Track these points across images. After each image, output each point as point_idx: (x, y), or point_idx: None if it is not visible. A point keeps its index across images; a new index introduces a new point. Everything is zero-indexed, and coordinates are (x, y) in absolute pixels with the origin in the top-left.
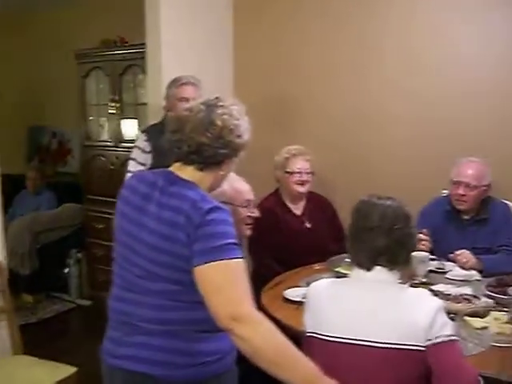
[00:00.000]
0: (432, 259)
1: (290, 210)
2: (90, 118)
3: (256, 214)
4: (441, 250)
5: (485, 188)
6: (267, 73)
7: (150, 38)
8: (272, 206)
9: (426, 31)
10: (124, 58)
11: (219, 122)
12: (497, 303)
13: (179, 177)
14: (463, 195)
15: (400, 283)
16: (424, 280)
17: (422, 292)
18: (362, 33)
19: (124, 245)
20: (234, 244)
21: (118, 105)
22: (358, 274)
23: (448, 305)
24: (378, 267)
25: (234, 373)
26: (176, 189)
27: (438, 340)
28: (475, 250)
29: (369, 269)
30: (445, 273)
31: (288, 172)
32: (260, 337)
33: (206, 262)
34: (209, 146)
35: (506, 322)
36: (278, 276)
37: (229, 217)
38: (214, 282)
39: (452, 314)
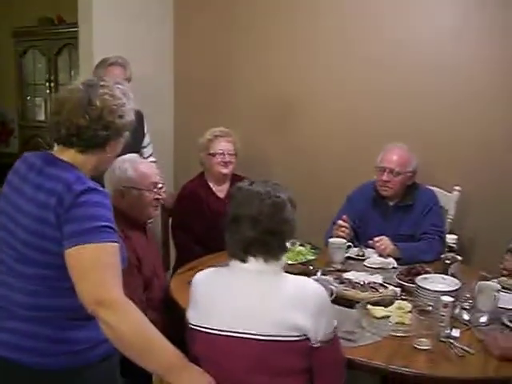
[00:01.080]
0: (350, 246)
1: (213, 193)
2: (28, 97)
3: (163, 195)
4: (366, 236)
5: (409, 174)
6: (206, 53)
7: (81, 15)
8: (195, 189)
9: (364, 21)
10: (60, 38)
11: (98, 103)
12: (404, 292)
13: (58, 158)
14: (387, 181)
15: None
16: (339, 267)
17: (305, 283)
18: (299, 20)
19: (4, 228)
20: (107, 227)
21: (53, 84)
22: (235, 264)
23: (353, 293)
24: (252, 258)
25: (110, 362)
26: (53, 170)
27: (323, 340)
28: (399, 237)
29: (243, 260)
30: (364, 260)
31: (211, 154)
32: (124, 324)
33: (75, 245)
34: (88, 128)
35: (409, 312)
36: (196, 260)
37: (105, 199)
38: (82, 266)
39: (356, 303)
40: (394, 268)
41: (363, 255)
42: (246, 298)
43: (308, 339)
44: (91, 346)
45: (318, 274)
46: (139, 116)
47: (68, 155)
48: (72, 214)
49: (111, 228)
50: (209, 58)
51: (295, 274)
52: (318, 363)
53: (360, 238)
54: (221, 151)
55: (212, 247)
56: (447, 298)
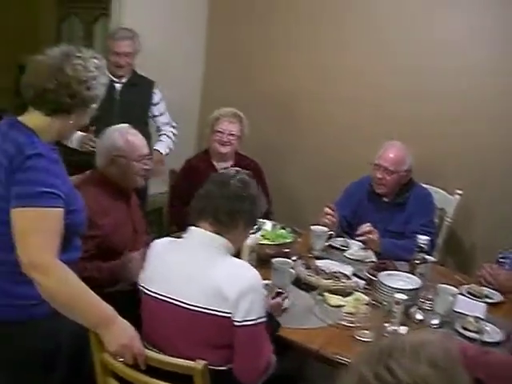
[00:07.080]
0: (332, 235)
1: (215, 170)
2: None
3: (150, 166)
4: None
5: (404, 173)
6: (240, 23)
7: None
8: (197, 164)
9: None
10: (97, 7)
11: (69, 71)
12: (369, 285)
13: (19, 122)
14: (381, 179)
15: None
16: (317, 254)
17: (241, 265)
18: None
19: None
20: (50, 193)
21: None
22: (188, 232)
23: (315, 279)
24: (203, 223)
25: (52, 321)
26: (12, 133)
27: (243, 324)
28: (389, 233)
29: (195, 224)
30: (346, 251)
31: (213, 131)
32: (54, 284)
33: (18, 206)
34: (53, 92)
35: (365, 304)
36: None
37: (51, 165)
38: (20, 227)
39: (315, 289)
40: (371, 262)
41: (346, 246)
42: (187, 266)
43: (230, 317)
44: (38, 303)
45: (293, 257)
46: (149, 85)
47: (33, 118)
48: (18, 176)
49: (55, 194)
50: (243, 30)
51: (271, 255)
52: (236, 343)
53: (353, 230)
54: (221, 130)
55: None
56: (400, 296)
